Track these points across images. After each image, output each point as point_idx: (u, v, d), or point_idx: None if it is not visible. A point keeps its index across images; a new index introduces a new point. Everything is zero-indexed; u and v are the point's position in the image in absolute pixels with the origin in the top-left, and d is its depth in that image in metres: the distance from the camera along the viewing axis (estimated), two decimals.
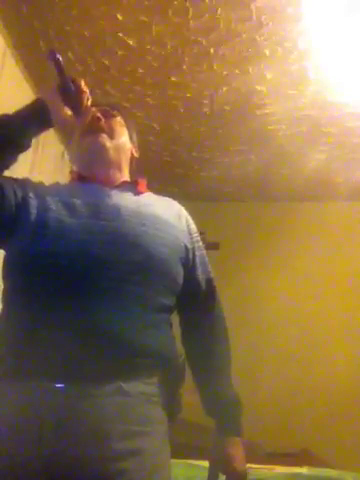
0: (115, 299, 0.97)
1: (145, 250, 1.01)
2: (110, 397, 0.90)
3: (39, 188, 1.13)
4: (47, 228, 1.01)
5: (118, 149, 1.18)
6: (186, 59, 2.24)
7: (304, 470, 2.01)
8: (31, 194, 1.08)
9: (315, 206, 3.60)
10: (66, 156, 2.94)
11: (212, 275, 1.21)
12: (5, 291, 1.04)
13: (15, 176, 1.14)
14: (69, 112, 1.13)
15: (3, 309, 1.03)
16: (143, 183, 1.22)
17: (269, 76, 2.32)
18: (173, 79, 2.37)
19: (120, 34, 2.10)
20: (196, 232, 1.21)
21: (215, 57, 2.21)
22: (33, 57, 2.26)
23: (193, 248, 1.16)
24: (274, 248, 3.50)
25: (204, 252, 1.21)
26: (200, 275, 1.17)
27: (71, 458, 0.87)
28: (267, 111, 2.59)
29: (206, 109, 2.61)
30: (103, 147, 1.15)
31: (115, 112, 1.23)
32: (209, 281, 1.19)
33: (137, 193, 1.17)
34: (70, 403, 0.89)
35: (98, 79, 2.38)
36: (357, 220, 3.52)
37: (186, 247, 1.13)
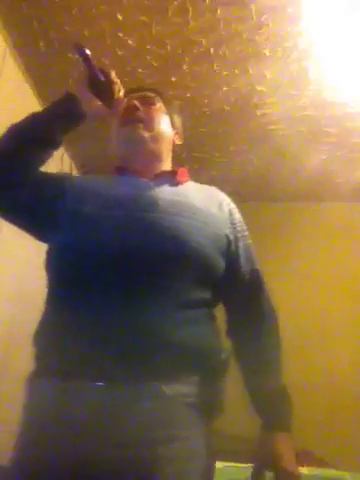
0: (154, 295, 0.94)
1: (183, 242, 0.98)
2: (150, 400, 0.89)
3: (77, 183, 1.11)
4: (85, 223, 1.00)
5: (157, 139, 1.14)
6: (186, 59, 2.24)
7: (304, 470, 2.01)
8: (69, 189, 1.06)
9: (315, 206, 3.60)
10: (66, 156, 2.94)
11: (258, 266, 1.15)
12: (48, 284, 1.05)
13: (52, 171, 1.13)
14: (100, 103, 1.10)
15: (46, 302, 1.03)
16: (183, 172, 1.19)
17: (269, 76, 2.32)
18: (173, 79, 2.37)
19: (120, 34, 2.10)
20: (240, 221, 1.16)
21: (215, 57, 2.21)
22: (33, 57, 2.26)
23: (236, 238, 1.11)
24: (274, 248, 3.50)
25: (249, 243, 1.15)
26: (243, 266, 1.11)
27: (108, 459, 0.85)
28: (267, 111, 2.59)
29: (206, 109, 2.61)
30: (140, 138, 1.11)
31: (155, 97, 1.18)
32: (254, 272, 1.14)
33: (176, 183, 1.13)
34: (109, 404, 0.88)
35: None
36: (357, 220, 3.51)
37: (227, 237, 1.08)
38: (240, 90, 2.43)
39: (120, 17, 2.01)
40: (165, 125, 1.17)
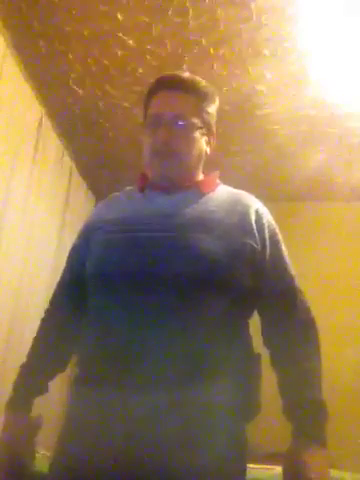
0: (179, 313, 0.97)
1: (205, 261, 0.98)
2: (184, 407, 0.92)
3: (99, 214, 1.16)
4: (110, 247, 1.05)
5: (187, 169, 1.13)
6: (186, 59, 2.24)
7: None
8: (87, 241, 1.12)
9: (315, 206, 3.59)
10: (66, 156, 2.94)
11: (292, 273, 1.12)
12: (88, 300, 1.09)
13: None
14: None
15: (88, 316, 1.08)
16: (209, 181, 1.17)
17: (269, 76, 2.31)
18: None
19: (120, 34, 2.10)
20: (270, 226, 1.12)
21: (215, 57, 2.21)
22: (33, 57, 2.26)
23: (263, 246, 1.08)
24: None
25: (280, 248, 1.13)
26: (272, 275, 1.08)
27: (143, 467, 0.88)
28: (267, 111, 2.58)
29: None
30: (170, 176, 1.11)
31: (186, 112, 1.11)
32: (287, 280, 1.10)
33: (201, 195, 1.11)
34: (145, 413, 0.91)
35: (98, 79, 2.38)
36: (357, 220, 3.51)
37: (252, 247, 1.05)
38: (240, 90, 2.43)
39: (120, 17, 2.01)
40: (198, 147, 1.14)
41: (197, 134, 1.12)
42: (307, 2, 1.89)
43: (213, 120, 1.19)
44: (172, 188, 1.11)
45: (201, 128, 1.13)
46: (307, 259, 3.48)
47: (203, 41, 2.12)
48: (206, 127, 1.15)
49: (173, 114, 1.10)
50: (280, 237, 1.14)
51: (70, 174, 3.03)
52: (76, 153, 2.99)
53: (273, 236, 1.11)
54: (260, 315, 1.10)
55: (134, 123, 2.74)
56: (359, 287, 3.37)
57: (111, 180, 3.00)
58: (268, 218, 1.13)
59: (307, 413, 0.96)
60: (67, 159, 2.97)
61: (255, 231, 1.07)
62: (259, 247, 1.06)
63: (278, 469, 1.99)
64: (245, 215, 1.09)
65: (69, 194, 3.02)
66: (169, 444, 0.89)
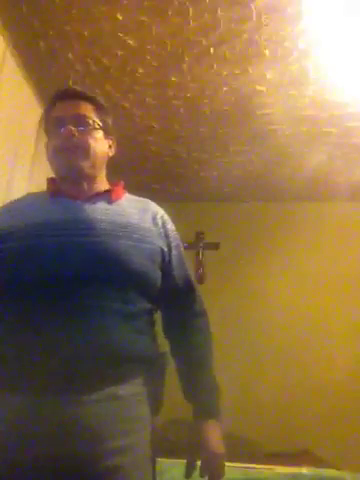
0: (98, 313, 1.01)
1: (121, 263, 1.05)
2: (102, 402, 0.97)
3: (8, 217, 1.13)
4: (23, 254, 1.05)
5: (93, 165, 1.19)
6: (186, 59, 2.24)
7: (304, 470, 2.01)
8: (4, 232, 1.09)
9: (315, 206, 3.60)
10: None
11: (189, 272, 1.25)
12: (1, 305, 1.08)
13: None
14: None
15: (2, 324, 1.07)
16: (117, 190, 1.23)
17: (269, 76, 2.32)
18: (173, 79, 2.37)
19: (120, 34, 2.10)
20: (173, 231, 1.24)
21: (215, 57, 2.21)
22: (33, 57, 2.26)
23: (169, 249, 1.20)
24: (274, 248, 3.50)
25: (181, 251, 1.25)
26: (176, 274, 1.20)
27: (69, 462, 0.92)
28: (267, 111, 2.58)
29: (206, 109, 2.61)
30: (77, 166, 1.16)
31: (88, 114, 1.20)
32: (186, 279, 1.23)
33: (110, 201, 1.17)
34: (65, 412, 0.94)
35: (98, 79, 2.38)
36: (357, 220, 3.52)
37: (162, 250, 1.16)
38: (240, 90, 2.43)
39: (120, 17, 2.01)
40: (100, 146, 1.21)
41: (99, 133, 1.20)
42: (307, 2, 1.89)
43: (111, 128, 1.26)
44: (82, 194, 1.16)
45: (101, 129, 1.21)
46: (307, 259, 3.48)
47: (203, 41, 2.12)
48: (105, 131, 1.23)
49: (74, 114, 1.18)
50: (179, 241, 1.26)
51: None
52: None
53: (176, 240, 1.24)
54: (162, 309, 1.22)
55: (134, 123, 2.74)
56: (359, 287, 3.38)
57: (111, 180, 2.99)
58: (171, 224, 1.25)
59: (201, 392, 1.12)
60: None
61: (163, 235, 1.19)
62: (167, 251, 1.18)
63: (278, 469, 2.01)
64: (155, 220, 1.20)
65: None
66: (93, 436, 0.94)
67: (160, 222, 1.21)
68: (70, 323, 0.98)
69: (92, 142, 1.18)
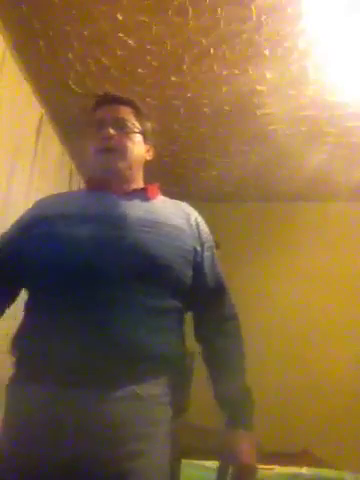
0: (122, 307, 1.01)
1: (149, 257, 1.05)
2: (124, 401, 0.97)
3: (46, 207, 1.17)
4: (56, 241, 1.07)
5: (131, 166, 1.21)
6: (186, 59, 2.23)
7: (304, 470, 2.01)
8: (36, 220, 1.13)
9: (315, 206, 3.60)
10: (66, 156, 2.94)
11: (222, 275, 1.24)
12: (28, 295, 1.12)
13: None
14: None
15: (24, 313, 1.10)
16: (153, 189, 1.25)
17: (269, 76, 2.31)
18: (173, 79, 2.37)
19: (120, 34, 2.10)
20: (207, 233, 1.25)
21: (215, 57, 2.21)
22: (33, 57, 2.26)
23: (202, 250, 1.20)
24: (274, 248, 3.50)
25: (214, 253, 1.24)
26: (208, 275, 1.20)
27: (88, 458, 0.92)
28: (267, 111, 2.58)
29: (206, 109, 2.61)
30: (115, 168, 1.19)
31: (127, 118, 1.23)
32: (218, 281, 1.22)
33: (146, 199, 1.20)
34: (87, 407, 0.95)
35: (98, 79, 2.38)
36: (357, 220, 3.52)
37: (195, 249, 1.17)
38: (240, 90, 2.43)
39: (120, 17, 2.01)
40: (138, 149, 1.24)
41: (137, 137, 1.23)
42: (307, 2, 1.89)
43: (150, 134, 1.29)
44: (118, 189, 1.18)
45: (140, 133, 1.25)
46: (307, 259, 3.48)
47: (203, 41, 2.12)
48: (145, 136, 1.26)
49: (114, 117, 1.22)
50: (213, 243, 1.27)
51: (70, 174, 3.03)
52: (76, 153, 2.99)
53: (209, 241, 1.25)
54: (193, 311, 1.21)
55: None
56: (359, 287, 3.38)
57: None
58: (205, 226, 1.27)
59: (234, 401, 1.10)
60: (67, 159, 2.97)
61: (197, 236, 1.20)
62: (199, 250, 1.19)
63: (278, 469, 2.00)
64: (189, 221, 1.21)
65: None
66: (110, 435, 0.94)
67: (194, 223, 1.22)
68: (93, 315, 0.99)
69: (130, 144, 1.21)
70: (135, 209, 1.14)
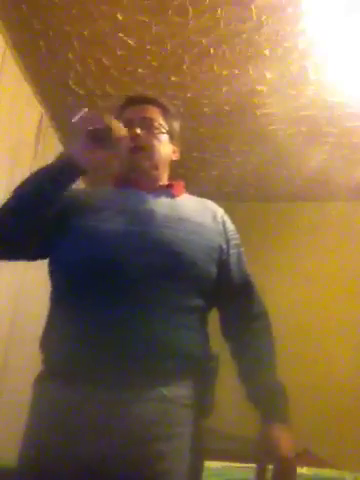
0: (149, 304, 1.01)
1: (175, 254, 1.05)
2: (151, 402, 0.96)
3: (77, 199, 1.16)
4: (84, 236, 1.07)
5: (157, 166, 1.22)
6: (186, 59, 2.24)
7: (304, 470, 2.01)
8: (70, 207, 1.11)
9: (315, 206, 3.59)
10: None
11: (248, 273, 1.24)
12: (52, 290, 1.11)
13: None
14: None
15: (51, 307, 1.10)
16: (179, 186, 1.26)
17: (269, 76, 2.32)
18: (173, 79, 2.37)
19: (120, 34, 2.10)
20: (233, 231, 1.25)
21: (215, 57, 2.21)
22: (33, 57, 2.26)
23: (228, 247, 1.19)
24: (274, 248, 3.50)
25: (241, 250, 1.24)
26: (235, 273, 1.19)
27: (114, 458, 0.92)
28: (267, 111, 2.58)
29: (206, 109, 2.61)
30: (142, 167, 1.20)
31: (154, 118, 1.24)
32: (245, 278, 1.22)
33: (172, 196, 1.20)
34: (114, 407, 0.94)
35: (98, 79, 2.38)
36: (357, 220, 3.51)
37: (221, 247, 1.16)
38: (240, 90, 2.43)
39: (120, 17, 2.01)
40: (164, 149, 1.25)
41: (164, 137, 1.24)
42: (307, 2, 1.89)
43: (177, 134, 1.30)
44: (145, 187, 1.18)
45: (167, 133, 1.25)
46: (307, 259, 3.48)
47: (203, 41, 2.12)
48: (171, 136, 1.26)
49: (142, 117, 1.22)
50: (239, 241, 1.26)
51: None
52: None
53: (236, 239, 1.24)
54: (221, 310, 1.20)
55: None
56: (359, 287, 3.38)
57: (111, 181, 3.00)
58: (230, 223, 1.26)
59: (268, 396, 1.08)
60: None
61: (223, 233, 1.20)
62: (225, 249, 1.18)
63: None
64: (214, 218, 1.21)
65: None
66: (134, 436, 0.93)
67: (220, 221, 1.22)
68: (119, 312, 0.98)
69: (157, 144, 1.21)
70: (161, 206, 1.15)
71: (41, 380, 1.05)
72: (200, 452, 1.02)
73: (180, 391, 1.00)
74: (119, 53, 2.21)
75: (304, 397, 3.14)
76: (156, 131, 1.22)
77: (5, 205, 1.06)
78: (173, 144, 1.29)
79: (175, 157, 1.31)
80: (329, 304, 3.35)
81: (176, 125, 1.31)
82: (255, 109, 2.57)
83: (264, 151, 2.99)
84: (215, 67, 2.28)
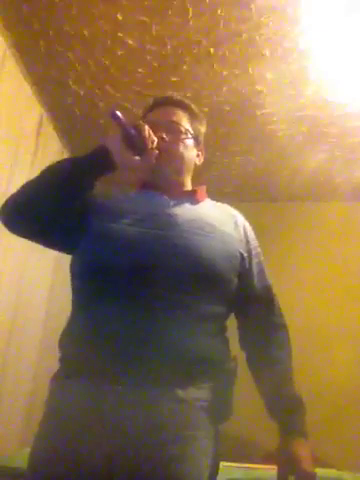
0: (168, 308, 1.01)
1: (198, 260, 1.05)
2: (167, 403, 0.96)
3: (101, 201, 1.16)
4: (106, 238, 1.07)
5: (180, 170, 1.22)
6: (186, 59, 2.24)
7: None
8: (93, 208, 1.12)
9: (315, 206, 3.59)
10: (66, 156, 2.94)
11: (269, 282, 1.22)
12: (73, 291, 1.11)
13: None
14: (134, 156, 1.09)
15: (72, 307, 1.10)
16: (202, 192, 1.26)
17: (269, 76, 2.32)
18: (173, 79, 2.37)
19: (120, 34, 2.10)
20: (254, 239, 1.24)
21: (215, 57, 2.21)
22: (33, 57, 2.26)
23: (249, 256, 1.18)
24: (274, 248, 3.50)
25: (262, 259, 1.23)
26: (256, 282, 1.18)
27: (129, 458, 0.92)
28: (267, 111, 2.58)
29: (206, 109, 2.61)
30: (166, 172, 1.19)
31: (180, 122, 1.22)
32: (266, 288, 1.20)
33: (195, 202, 1.20)
34: (130, 407, 0.95)
35: (98, 79, 2.38)
36: (357, 220, 3.51)
37: (242, 255, 1.15)
38: (240, 90, 2.43)
39: (120, 17, 2.01)
40: (189, 153, 1.23)
41: (189, 141, 1.23)
42: (307, 2, 1.89)
43: (202, 137, 1.30)
44: (168, 192, 1.18)
45: (192, 138, 1.24)
46: (307, 259, 3.48)
47: (203, 41, 2.12)
48: (196, 140, 1.26)
49: (168, 120, 1.21)
50: (260, 249, 1.25)
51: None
52: (76, 153, 2.99)
53: (256, 248, 1.23)
54: (239, 318, 1.19)
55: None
56: (358, 287, 3.37)
57: (111, 180, 3.00)
58: (251, 231, 1.25)
59: (287, 410, 1.07)
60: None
61: (244, 242, 1.19)
62: (246, 257, 1.17)
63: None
64: (235, 226, 1.20)
65: None
66: (150, 437, 0.93)
67: (242, 228, 1.20)
68: (140, 315, 0.99)
69: (181, 148, 1.20)
70: (185, 211, 1.14)
71: (58, 378, 1.05)
72: (216, 456, 1.01)
73: (197, 393, 1.00)
74: (119, 53, 2.21)
75: (304, 397, 3.13)
76: (182, 136, 1.21)
77: (32, 182, 1.08)
78: (198, 148, 1.28)
79: (199, 162, 1.30)
80: (329, 304, 3.35)
81: (202, 129, 1.30)
82: (255, 109, 2.57)
83: (264, 151, 2.99)
84: (215, 67, 2.28)
